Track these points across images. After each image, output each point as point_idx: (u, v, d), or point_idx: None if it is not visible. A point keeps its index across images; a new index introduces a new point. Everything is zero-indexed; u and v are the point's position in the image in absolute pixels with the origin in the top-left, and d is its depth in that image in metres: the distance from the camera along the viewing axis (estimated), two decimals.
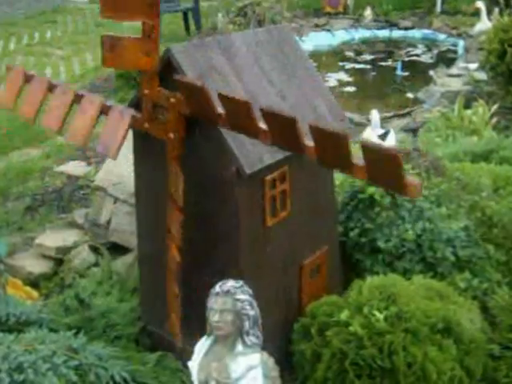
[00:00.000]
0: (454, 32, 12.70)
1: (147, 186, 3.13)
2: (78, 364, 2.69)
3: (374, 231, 3.65)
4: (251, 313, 2.32)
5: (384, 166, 2.14)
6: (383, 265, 3.59)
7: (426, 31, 13.04)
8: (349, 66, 10.94)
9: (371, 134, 6.25)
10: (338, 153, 2.24)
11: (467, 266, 3.85)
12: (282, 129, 2.33)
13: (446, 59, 11.56)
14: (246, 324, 2.31)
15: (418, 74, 10.87)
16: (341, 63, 11.16)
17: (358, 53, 11.97)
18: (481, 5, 11.66)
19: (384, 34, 13.11)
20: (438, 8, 13.77)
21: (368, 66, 10.88)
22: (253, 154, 2.67)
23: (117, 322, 3.22)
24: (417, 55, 11.99)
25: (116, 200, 4.16)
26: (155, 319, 3.23)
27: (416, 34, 13.11)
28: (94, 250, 4.07)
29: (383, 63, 11.39)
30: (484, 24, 11.69)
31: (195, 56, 2.74)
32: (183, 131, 2.71)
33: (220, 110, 2.49)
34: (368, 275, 3.24)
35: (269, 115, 2.32)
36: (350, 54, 11.93)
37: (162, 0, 11.51)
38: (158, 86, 2.69)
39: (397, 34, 13.16)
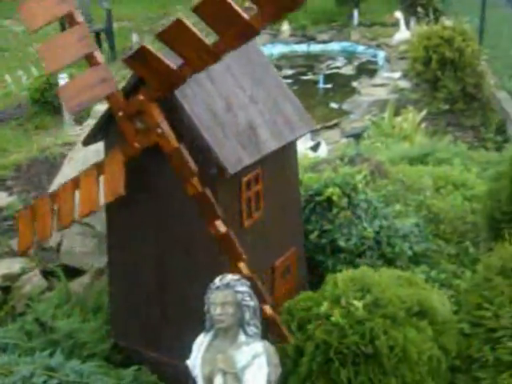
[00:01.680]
0: (373, 43, 13.36)
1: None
2: (59, 383, 2.77)
3: (333, 232, 3.91)
4: (251, 303, 2.51)
5: None
6: (345, 264, 3.84)
7: (345, 44, 13.65)
8: None
9: (302, 147, 6.56)
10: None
11: (423, 260, 4.18)
12: None
13: (367, 70, 12.15)
14: (247, 315, 2.50)
15: (340, 85, 11.38)
16: None
17: (278, 68, 12.39)
18: (399, 15, 12.38)
19: (302, 48, 13.63)
20: (355, 21, 14.44)
21: (289, 81, 11.28)
22: (232, 155, 2.89)
23: (85, 340, 3.31)
24: (337, 68, 12.54)
25: None
26: (127, 334, 3.34)
27: (335, 46, 13.69)
28: (45, 274, 4.12)
29: (304, 77, 11.87)
30: (403, 33, 12.40)
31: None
32: (165, 118, 2.85)
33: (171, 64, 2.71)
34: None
35: None
36: None
37: None
38: (154, 101, 2.84)
39: (315, 47, 13.71)
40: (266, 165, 3.15)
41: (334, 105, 10.04)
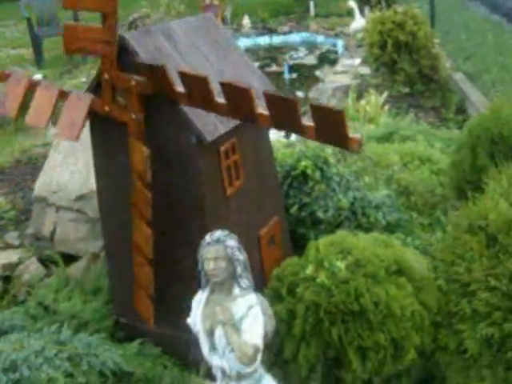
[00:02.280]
0: (331, 33, 13.59)
1: (108, 176, 3.41)
2: (69, 355, 2.90)
3: (311, 204, 4.09)
4: (241, 257, 2.64)
5: (330, 123, 2.58)
6: (325, 234, 4.01)
7: (305, 34, 13.86)
8: None
9: (274, 136, 6.73)
10: (290, 116, 2.66)
11: (397, 230, 4.37)
12: (238, 100, 2.71)
13: (328, 59, 12.37)
14: (239, 268, 2.62)
15: (304, 75, 11.58)
16: None
17: None
18: (353, 4, 12.60)
19: (265, 40, 13.81)
20: (312, 12, 14.67)
21: None
22: (209, 124, 3.05)
23: (88, 320, 3.44)
24: (300, 58, 12.75)
25: (58, 209, 4.32)
26: (128, 311, 3.47)
27: (295, 38, 13.90)
28: (42, 262, 4.22)
29: (269, 69, 12.03)
30: (358, 22, 12.64)
31: (145, 42, 3.09)
32: (142, 111, 3.02)
33: (180, 88, 2.84)
34: None
35: (227, 87, 2.70)
36: None
37: (41, 24, 11.60)
38: (115, 70, 3.00)
39: (277, 39, 13.90)
40: (239, 135, 3.30)
41: (300, 94, 10.22)
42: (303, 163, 4.08)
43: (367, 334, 3.01)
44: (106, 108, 3.10)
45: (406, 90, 8.68)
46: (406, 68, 8.41)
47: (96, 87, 3.16)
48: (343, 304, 3.02)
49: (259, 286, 3.40)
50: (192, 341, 3.10)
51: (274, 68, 12.16)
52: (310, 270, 3.14)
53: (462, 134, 6.65)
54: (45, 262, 4.22)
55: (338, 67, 11.17)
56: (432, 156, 5.79)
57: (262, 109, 2.74)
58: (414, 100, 8.64)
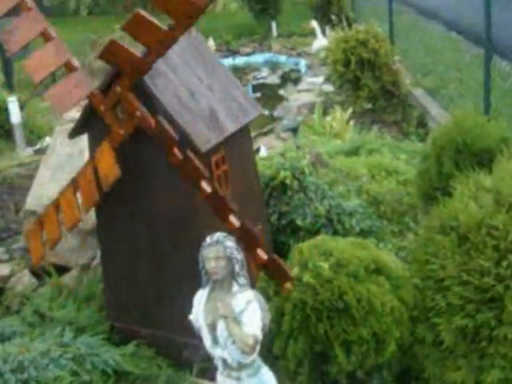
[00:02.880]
0: (293, 52, 13.96)
1: None
2: (74, 355, 3.07)
3: (290, 213, 4.33)
4: (239, 257, 2.85)
5: None
6: (304, 241, 4.25)
7: (268, 55, 14.20)
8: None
9: None
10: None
11: (369, 235, 4.64)
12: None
13: (291, 78, 12.71)
14: (237, 267, 2.83)
15: (268, 94, 11.88)
16: None
17: None
18: (315, 24, 13.00)
19: (228, 61, 14.08)
20: (274, 32, 15.04)
21: None
22: (202, 136, 3.28)
23: (85, 325, 3.60)
24: (263, 78, 13.06)
25: None
26: (123, 315, 3.65)
27: (258, 58, 14.23)
28: (34, 274, 4.37)
29: None
30: (320, 41, 13.02)
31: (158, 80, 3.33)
32: (130, 132, 3.26)
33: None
34: None
35: None
36: None
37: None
38: (130, 90, 3.21)
39: (240, 60, 14.21)
40: (228, 146, 3.53)
41: (265, 112, 10.49)
42: (282, 174, 4.32)
43: (351, 329, 3.24)
44: (102, 108, 3.29)
45: (369, 105, 9.03)
46: (369, 84, 8.75)
47: (108, 82, 3.33)
48: (328, 301, 3.25)
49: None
50: (185, 342, 3.32)
51: None
52: (295, 271, 3.37)
53: (427, 145, 7.04)
54: (37, 273, 4.36)
55: (302, 86, 11.50)
56: (398, 167, 6.11)
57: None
58: (376, 115, 9.00)
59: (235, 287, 2.85)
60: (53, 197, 4.37)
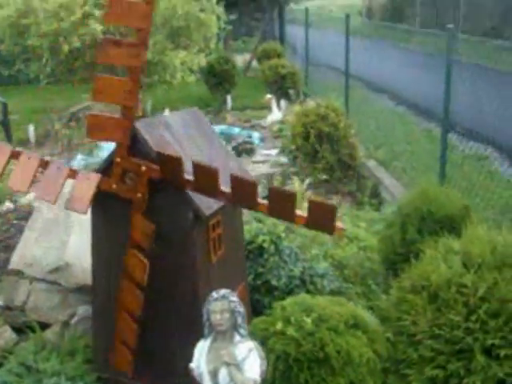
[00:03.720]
0: (247, 125, 14.45)
1: (104, 242, 3.82)
2: None
3: (266, 274, 4.61)
4: (241, 310, 3.13)
5: (323, 215, 3.20)
6: (278, 300, 4.51)
7: (222, 126, 14.63)
8: None
9: None
10: (287, 208, 3.32)
11: (339, 296, 4.93)
12: (242, 191, 3.31)
13: (245, 149, 13.11)
14: (239, 319, 3.11)
15: None
16: None
17: None
18: (271, 98, 13.58)
19: None
20: (229, 105, 15.57)
21: None
22: (204, 202, 3.57)
23: (73, 375, 3.76)
24: None
25: (31, 280, 4.66)
26: (111, 367, 3.81)
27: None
28: (15, 330, 4.49)
29: None
30: (275, 114, 13.59)
31: (150, 131, 3.60)
32: (147, 191, 3.51)
33: (188, 176, 3.37)
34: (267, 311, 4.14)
35: (235, 181, 3.29)
36: None
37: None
38: (128, 156, 3.49)
39: None
40: (223, 212, 3.82)
41: None
42: (261, 238, 4.64)
43: (330, 379, 3.50)
44: (114, 186, 3.56)
45: (325, 177, 9.46)
46: (327, 156, 9.21)
47: (106, 168, 3.62)
48: (310, 352, 3.51)
49: None
50: None
51: None
52: (279, 326, 3.62)
53: (381, 216, 7.47)
54: (18, 329, 4.49)
55: (257, 157, 11.92)
56: (358, 234, 6.48)
57: (261, 200, 3.36)
58: (332, 186, 9.44)
59: (237, 337, 3.12)
60: (37, 256, 4.60)
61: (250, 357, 3.06)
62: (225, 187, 3.45)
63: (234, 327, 3.12)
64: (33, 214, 5.12)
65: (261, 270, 4.60)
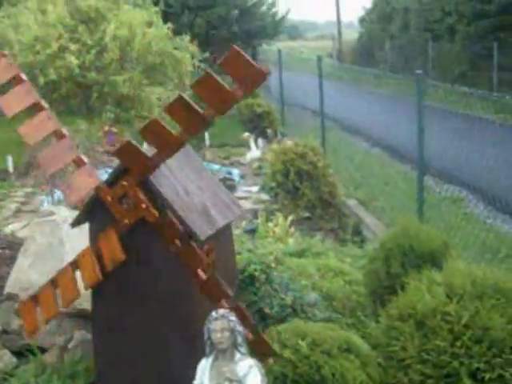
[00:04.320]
0: (226, 162, 14.78)
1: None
2: None
3: (258, 302, 4.84)
4: (240, 329, 3.36)
5: None
6: (270, 327, 4.76)
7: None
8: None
9: None
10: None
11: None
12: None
13: (226, 186, 13.38)
14: (239, 338, 3.34)
15: None
16: None
17: None
18: (249, 136, 13.96)
19: None
20: (207, 142, 15.90)
21: None
22: (199, 228, 3.82)
23: None
24: None
25: None
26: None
27: None
28: (14, 353, 4.66)
29: None
30: (253, 152, 13.95)
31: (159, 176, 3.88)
32: (133, 222, 3.79)
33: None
34: None
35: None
36: None
37: None
38: (136, 185, 3.74)
39: None
40: (216, 239, 4.06)
41: None
42: (252, 267, 4.89)
43: None
44: (109, 198, 3.79)
45: (307, 214, 9.78)
46: (307, 194, 9.54)
47: (111, 180, 3.85)
48: (307, 375, 3.75)
49: None
50: None
51: None
52: (276, 348, 3.87)
53: (364, 253, 7.79)
54: (16, 353, 4.66)
55: (238, 194, 12.21)
56: (343, 269, 6.76)
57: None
58: (314, 223, 9.76)
59: (237, 355, 3.34)
60: (33, 280, 4.79)
61: (251, 373, 3.29)
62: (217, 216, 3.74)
63: (234, 345, 3.35)
64: (25, 242, 5.31)
65: (253, 298, 4.83)
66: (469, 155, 10.23)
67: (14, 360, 4.64)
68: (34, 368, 4.38)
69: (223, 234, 4.22)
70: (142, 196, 3.74)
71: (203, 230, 3.85)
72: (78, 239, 4.97)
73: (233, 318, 3.38)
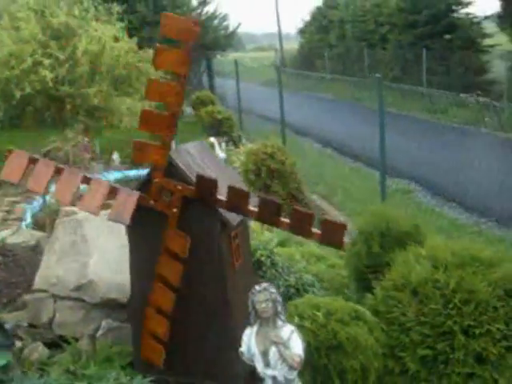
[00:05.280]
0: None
1: (141, 254, 4.27)
2: None
3: None
4: (280, 299, 3.64)
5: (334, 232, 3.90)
6: None
7: None
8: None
9: None
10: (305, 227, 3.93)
11: None
12: (268, 211, 3.89)
13: None
14: (279, 307, 3.62)
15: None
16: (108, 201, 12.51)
17: None
18: (214, 140, 14.22)
19: (133, 173, 14.85)
20: (173, 147, 16.08)
21: None
22: (229, 216, 4.09)
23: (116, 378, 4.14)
24: None
25: (56, 299, 4.99)
26: (153, 367, 4.25)
27: None
28: (45, 345, 4.82)
29: None
30: (219, 155, 14.19)
31: (179, 157, 4.14)
32: (180, 206, 4.03)
33: (221, 197, 3.92)
34: None
35: (261, 201, 3.92)
36: None
37: None
38: (163, 176, 4.01)
39: (144, 171, 14.99)
40: (238, 227, 4.35)
41: None
42: (259, 253, 5.20)
43: (345, 362, 4.07)
44: (152, 202, 4.05)
45: None
46: (278, 191, 9.87)
47: (142, 187, 4.10)
48: (326, 341, 4.07)
49: None
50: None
51: None
52: (296, 320, 4.18)
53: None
54: (48, 344, 4.80)
55: None
56: (324, 255, 7.13)
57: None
58: (285, 217, 10.06)
59: (279, 322, 3.63)
60: (60, 276, 4.98)
61: (293, 337, 3.59)
62: (252, 207, 4.03)
63: (276, 314, 3.64)
64: (49, 240, 5.47)
65: (261, 281, 5.14)
66: (413, 151, 10.70)
67: (47, 351, 4.75)
68: (69, 355, 4.53)
69: (243, 223, 4.50)
70: (173, 181, 4.02)
71: (233, 218, 4.14)
72: (99, 236, 5.22)
73: (273, 289, 3.66)
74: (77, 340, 4.84)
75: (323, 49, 35.10)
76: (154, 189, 4.04)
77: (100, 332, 4.88)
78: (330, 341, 4.07)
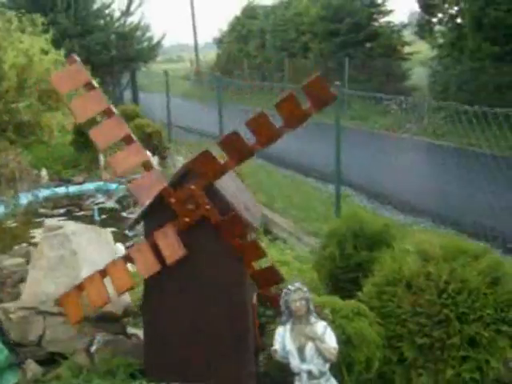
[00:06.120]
0: (123, 180, 14.92)
1: None
2: None
3: None
4: (311, 297, 3.88)
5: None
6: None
7: (99, 183, 15.01)
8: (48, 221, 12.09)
9: None
10: None
11: None
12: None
13: (128, 202, 13.64)
14: (311, 305, 3.88)
15: (112, 216, 12.69)
16: (39, 219, 12.27)
17: (51, 208, 13.29)
18: (149, 153, 14.21)
19: (62, 190, 14.64)
20: (101, 163, 15.97)
21: (64, 218, 12.25)
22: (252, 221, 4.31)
23: None
24: (102, 202, 13.83)
25: (45, 316, 4.97)
26: (162, 371, 4.34)
27: (90, 186, 14.96)
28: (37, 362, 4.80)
29: (77, 213, 12.91)
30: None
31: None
32: (194, 221, 4.19)
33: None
34: None
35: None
36: (43, 210, 13.15)
37: None
38: (202, 189, 4.14)
39: (73, 189, 14.83)
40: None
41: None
42: None
43: (353, 355, 4.32)
44: (172, 200, 4.17)
45: None
46: None
47: (176, 181, 4.22)
48: (336, 336, 4.31)
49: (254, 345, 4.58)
50: None
51: (81, 212, 13.07)
52: None
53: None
54: (39, 362, 4.79)
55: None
56: (286, 260, 7.38)
57: None
58: None
59: (312, 319, 3.90)
60: (49, 292, 4.97)
61: (327, 331, 3.89)
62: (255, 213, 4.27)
63: (308, 311, 3.90)
64: (32, 255, 5.43)
65: None
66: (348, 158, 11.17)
67: (40, 369, 4.74)
68: (68, 370, 4.54)
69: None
70: (206, 198, 4.17)
71: (251, 225, 4.35)
72: (89, 249, 5.24)
73: (305, 288, 3.92)
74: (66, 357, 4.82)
75: (242, 59, 35.50)
76: (185, 192, 4.14)
77: (96, 345, 4.91)
78: (339, 336, 4.30)
